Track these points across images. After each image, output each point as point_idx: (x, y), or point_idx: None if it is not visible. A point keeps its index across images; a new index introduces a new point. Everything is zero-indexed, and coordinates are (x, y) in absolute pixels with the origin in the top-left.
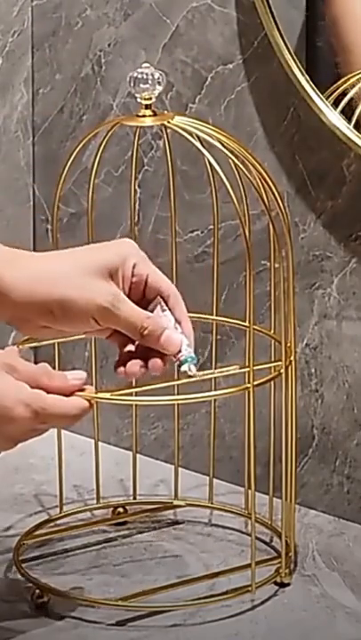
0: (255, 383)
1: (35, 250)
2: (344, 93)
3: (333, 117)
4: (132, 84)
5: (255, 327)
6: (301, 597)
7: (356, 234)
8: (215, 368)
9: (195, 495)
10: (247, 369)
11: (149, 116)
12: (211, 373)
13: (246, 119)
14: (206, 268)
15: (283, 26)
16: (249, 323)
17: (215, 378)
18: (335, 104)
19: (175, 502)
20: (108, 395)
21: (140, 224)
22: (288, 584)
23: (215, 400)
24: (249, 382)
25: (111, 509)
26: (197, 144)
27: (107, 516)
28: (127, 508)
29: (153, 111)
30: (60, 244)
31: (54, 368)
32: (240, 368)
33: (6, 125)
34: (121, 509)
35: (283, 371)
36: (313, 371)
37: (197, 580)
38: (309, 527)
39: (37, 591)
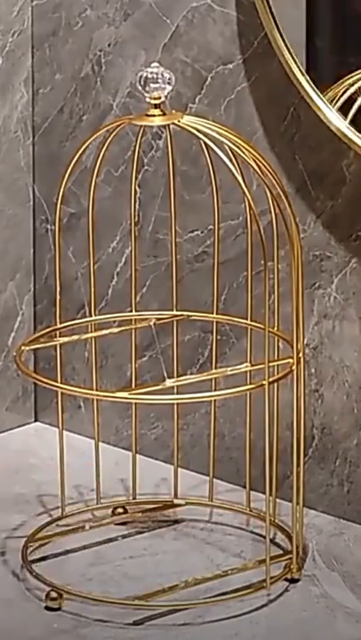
0: (271, 380)
1: (34, 250)
2: (344, 92)
3: (333, 117)
4: (142, 84)
5: (271, 330)
6: (301, 597)
7: (356, 234)
8: (215, 368)
9: (194, 495)
10: (261, 365)
11: (158, 115)
12: (223, 372)
13: (246, 119)
14: (206, 268)
15: (283, 26)
16: (265, 324)
17: (215, 378)
18: (335, 104)
19: (175, 501)
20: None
21: (140, 224)
22: (298, 579)
23: (215, 400)
24: (263, 379)
25: (111, 509)
26: (211, 143)
27: (107, 516)
28: (127, 508)
29: (162, 110)
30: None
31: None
32: (252, 366)
33: (6, 125)
34: (121, 509)
35: (294, 367)
36: (313, 371)
37: (211, 579)
38: (309, 527)
39: (52, 592)
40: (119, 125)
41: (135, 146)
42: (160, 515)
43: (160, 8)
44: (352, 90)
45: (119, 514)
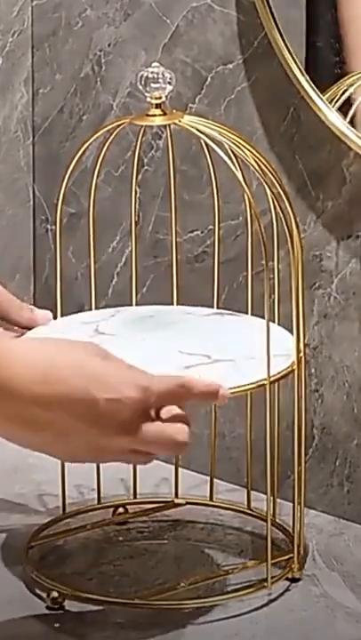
0: (271, 379)
1: (34, 250)
2: (344, 92)
3: (333, 117)
4: (142, 84)
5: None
6: (301, 597)
7: (356, 234)
8: None
9: (195, 495)
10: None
11: (159, 115)
12: None
13: (246, 119)
14: (206, 268)
15: (283, 26)
16: (267, 321)
17: None
18: (335, 104)
19: (176, 501)
20: None
21: (140, 224)
22: (299, 579)
23: None
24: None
25: (112, 509)
26: (211, 143)
27: (107, 516)
28: (128, 507)
29: (162, 110)
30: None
31: None
32: None
33: (6, 125)
34: (122, 509)
35: (295, 367)
36: (313, 371)
37: (213, 577)
38: (309, 527)
39: (52, 592)
40: (119, 125)
41: (135, 146)
42: (160, 514)
43: (160, 8)
44: (351, 90)
45: (119, 514)
